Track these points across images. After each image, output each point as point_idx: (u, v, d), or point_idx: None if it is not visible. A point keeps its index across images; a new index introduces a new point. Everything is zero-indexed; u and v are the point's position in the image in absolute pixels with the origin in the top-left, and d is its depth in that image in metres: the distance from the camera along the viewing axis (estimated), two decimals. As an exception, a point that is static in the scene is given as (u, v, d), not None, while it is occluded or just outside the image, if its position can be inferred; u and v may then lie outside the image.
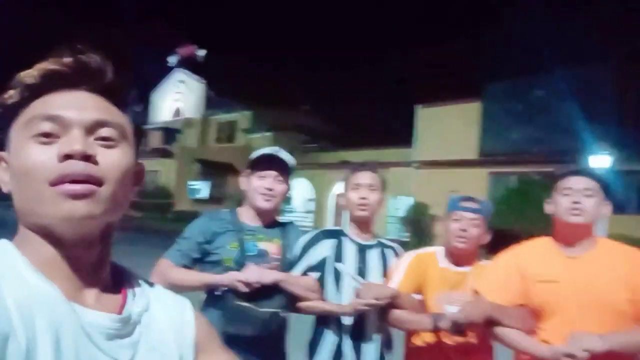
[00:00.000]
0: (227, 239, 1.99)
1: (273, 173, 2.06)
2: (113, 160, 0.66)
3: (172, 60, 35.44)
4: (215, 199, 23.79)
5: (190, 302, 0.82)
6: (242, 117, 29.84)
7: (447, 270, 2.10)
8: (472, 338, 1.99)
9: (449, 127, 19.35)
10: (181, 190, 26.71)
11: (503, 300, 1.87)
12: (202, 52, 34.07)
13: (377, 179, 2.18)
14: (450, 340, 1.99)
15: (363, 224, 2.17)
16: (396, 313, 2.01)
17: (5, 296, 0.58)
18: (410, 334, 2.13)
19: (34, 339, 0.57)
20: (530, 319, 1.86)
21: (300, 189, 26.13)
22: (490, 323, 1.84)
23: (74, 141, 0.63)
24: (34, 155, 0.63)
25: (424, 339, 2.07)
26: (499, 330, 1.84)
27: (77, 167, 0.62)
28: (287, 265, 2.06)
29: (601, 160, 12.61)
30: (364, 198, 2.11)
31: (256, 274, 1.89)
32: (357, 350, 2.02)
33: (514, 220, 13.14)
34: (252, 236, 2.03)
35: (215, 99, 31.93)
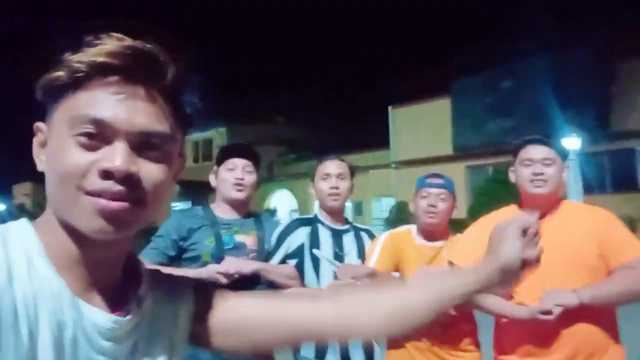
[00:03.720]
0: (203, 234, 2.00)
1: (241, 163, 2.09)
2: (156, 176, 0.63)
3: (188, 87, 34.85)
4: (203, 205, 23.57)
5: (193, 283, 0.80)
6: (217, 134, 29.72)
7: (423, 246, 2.15)
8: (453, 310, 2.03)
9: (422, 126, 19.61)
10: (163, 212, 26.34)
11: None
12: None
13: (346, 167, 2.21)
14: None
15: (335, 212, 2.20)
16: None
17: (15, 284, 0.57)
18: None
19: (36, 329, 0.57)
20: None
21: (283, 200, 26.09)
22: None
23: (116, 156, 0.59)
24: (74, 158, 0.59)
25: (406, 315, 2.10)
26: (476, 297, 1.88)
27: (115, 189, 0.59)
28: (264, 256, 2.07)
29: (572, 142, 12.91)
30: (334, 187, 2.14)
31: (235, 264, 1.91)
32: None
33: (494, 210, 13.31)
34: (228, 229, 2.04)
35: (188, 119, 31.66)
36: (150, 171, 0.62)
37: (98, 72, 0.60)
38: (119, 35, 0.61)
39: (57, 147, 0.61)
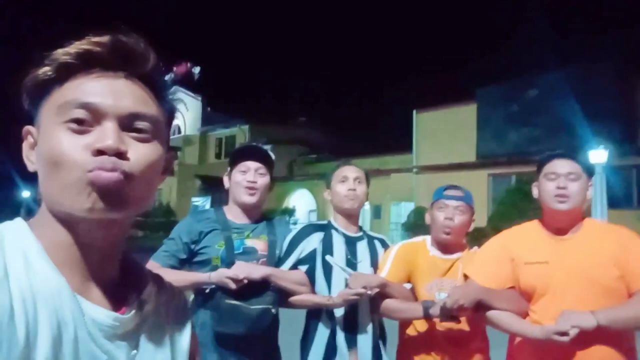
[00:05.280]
0: (213, 238, 1.99)
1: (254, 165, 2.07)
2: (145, 155, 0.65)
3: (168, 78, 35.54)
4: (216, 208, 23.84)
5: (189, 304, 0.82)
6: (240, 132, 29.97)
7: (437, 258, 2.10)
8: (465, 325, 1.99)
9: (446, 131, 19.40)
10: (183, 207, 26.71)
11: (493, 283, 1.87)
12: (197, 69, 34.31)
13: (362, 173, 2.20)
14: (442, 327, 1.98)
15: (350, 217, 2.17)
16: (387, 302, 2.00)
17: (11, 282, 0.57)
18: (403, 323, 2.12)
19: (35, 328, 0.56)
20: (522, 301, 1.86)
21: (302, 200, 26.13)
22: (482, 307, 1.84)
23: (107, 135, 0.62)
24: (66, 143, 0.61)
25: (417, 328, 2.06)
26: (490, 313, 1.84)
27: (108, 162, 0.61)
28: (275, 261, 2.05)
29: (599, 155, 12.62)
30: (352, 190, 2.12)
31: (245, 269, 1.89)
32: (351, 342, 2.01)
33: (514, 220, 13.10)
34: (239, 234, 2.03)
35: (212, 115, 32.14)
36: (138, 150, 0.64)
37: (82, 62, 0.63)
38: (101, 32, 0.65)
39: (49, 139, 0.63)
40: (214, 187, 26.73)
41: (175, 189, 28.26)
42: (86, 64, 0.64)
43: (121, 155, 0.62)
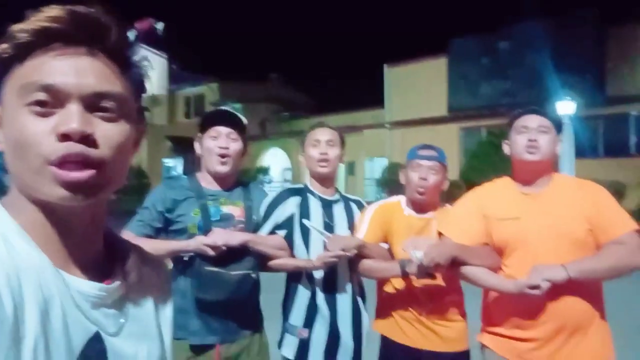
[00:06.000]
0: (189, 206, 1.96)
1: (225, 130, 2.01)
2: (113, 136, 0.63)
3: (130, 36, 34.21)
4: (189, 175, 23.61)
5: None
6: (209, 90, 29.29)
7: (412, 217, 2.13)
8: (440, 281, 2.04)
9: (418, 86, 19.39)
10: (154, 169, 26.33)
11: (467, 240, 1.92)
12: (160, 25, 33.04)
13: (336, 134, 2.17)
14: (419, 284, 2.03)
15: (325, 180, 2.17)
16: (365, 262, 2.04)
17: None
18: (380, 282, 2.17)
19: (21, 304, 0.56)
20: (495, 257, 1.91)
21: (276, 158, 26.04)
22: (457, 263, 1.89)
23: (72, 118, 0.59)
24: (30, 128, 0.59)
25: (395, 285, 2.11)
26: (465, 269, 1.89)
27: (75, 149, 0.59)
28: (252, 226, 2.04)
29: (566, 106, 12.87)
30: (323, 153, 2.10)
31: (223, 236, 1.88)
32: (331, 303, 2.06)
33: (487, 173, 13.40)
34: (214, 201, 2.00)
35: (180, 74, 31.22)
36: (106, 130, 0.62)
37: (41, 39, 0.60)
38: (59, 5, 0.62)
39: (12, 121, 0.61)
40: (185, 148, 26.34)
41: (145, 151, 27.73)
42: (45, 40, 0.61)
43: (87, 138, 0.60)
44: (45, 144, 0.59)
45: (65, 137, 0.59)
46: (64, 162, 0.59)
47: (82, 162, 0.60)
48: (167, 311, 0.79)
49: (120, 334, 0.66)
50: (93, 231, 0.68)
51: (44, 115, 0.60)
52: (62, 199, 0.60)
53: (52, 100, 0.60)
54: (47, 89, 0.60)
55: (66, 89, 0.60)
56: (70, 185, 0.59)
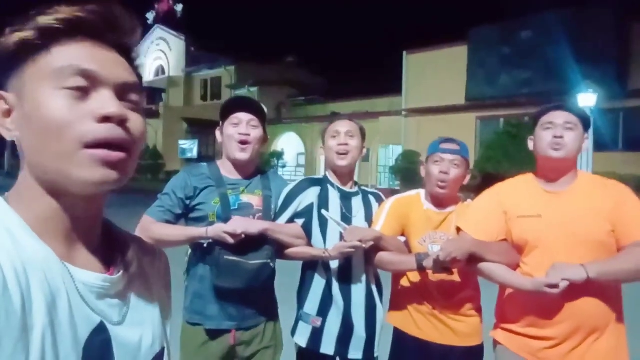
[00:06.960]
0: (209, 195, 1.97)
1: (246, 117, 2.02)
2: (140, 125, 0.66)
3: (150, 17, 34.30)
4: (204, 158, 23.73)
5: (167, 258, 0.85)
6: (225, 73, 29.29)
7: (431, 211, 2.12)
8: (456, 276, 2.04)
9: (436, 73, 19.15)
10: (169, 150, 26.52)
11: (486, 236, 1.90)
12: (179, 6, 32.94)
13: (356, 127, 2.17)
14: (435, 279, 2.03)
15: (344, 173, 2.17)
16: (381, 255, 2.04)
17: (0, 254, 0.57)
18: (396, 275, 2.17)
19: (29, 296, 0.57)
20: (513, 254, 1.90)
21: (290, 143, 26.04)
22: (474, 259, 1.88)
23: (111, 103, 0.62)
24: (65, 111, 0.60)
25: (410, 279, 2.12)
26: (482, 265, 1.88)
27: (116, 132, 0.62)
28: (270, 215, 2.06)
29: (587, 98, 12.62)
30: (343, 144, 2.10)
31: (242, 224, 1.89)
32: (346, 293, 2.07)
33: (503, 164, 13.26)
34: (234, 189, 2.01)
35: (197, 56, 31.23)
36: (135, 119, 0.65)
37: (69, 28, 0.62)
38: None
39: (39, 104, 0.61)
40: (201, 130, 26.45)
41: (161, 132, 27.92)
42: (72, 30, 0.62)
43: (123, 123, 0.62)
44: (82, 126, 0.60)
45: (105, 119, 0.61)
46: (98, 145, 0.61)
47: (118, 146, 0.62)
48: (168, 299, 0.82)
49: (124, 323, 0.68)
50: (95, 224, 0.70)
51: (79, 99, 0.61)
52: (99, 180, 0.61)
53: (87, 86, 0.62)
54: (85, 74, 0.61)
55: (103, 76, 0.63)
56: (111, 165, 0.61)
